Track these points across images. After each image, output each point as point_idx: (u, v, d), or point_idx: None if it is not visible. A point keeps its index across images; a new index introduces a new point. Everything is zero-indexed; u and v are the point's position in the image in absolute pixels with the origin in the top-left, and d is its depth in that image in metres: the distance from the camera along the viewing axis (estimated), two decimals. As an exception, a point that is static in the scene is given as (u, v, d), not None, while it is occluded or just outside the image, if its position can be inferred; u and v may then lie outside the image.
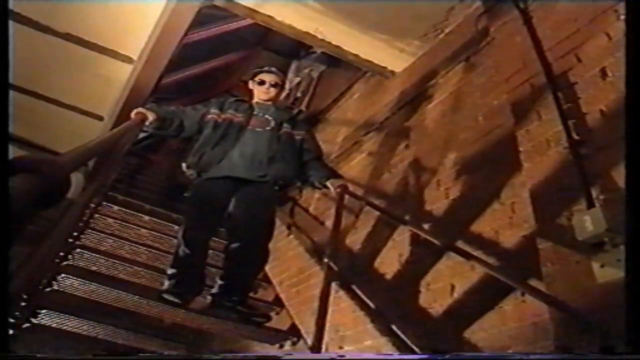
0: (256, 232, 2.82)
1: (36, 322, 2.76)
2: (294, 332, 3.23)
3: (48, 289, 2.91)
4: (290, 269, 3.84)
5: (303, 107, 6.10)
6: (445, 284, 2.34)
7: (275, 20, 3.72)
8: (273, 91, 3.11)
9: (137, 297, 3.04)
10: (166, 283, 2.74)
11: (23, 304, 2.58)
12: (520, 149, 2.17)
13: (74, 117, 4.67)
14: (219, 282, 2.79)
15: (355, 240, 3.30)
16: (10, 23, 3.56)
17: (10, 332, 2.49)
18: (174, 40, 3.88)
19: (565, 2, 2.33)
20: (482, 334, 2.02)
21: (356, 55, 4.05)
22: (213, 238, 2.95)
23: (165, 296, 2.69)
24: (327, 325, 2.57)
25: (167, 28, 3.73)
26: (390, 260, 2.84)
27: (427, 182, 2.93)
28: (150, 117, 2.74)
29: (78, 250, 3.19)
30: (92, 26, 3.86)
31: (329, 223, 3.17)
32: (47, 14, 3.74)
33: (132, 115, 2.69)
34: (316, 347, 2.45)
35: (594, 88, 1.94)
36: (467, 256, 2.16)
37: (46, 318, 2.79)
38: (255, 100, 3.14)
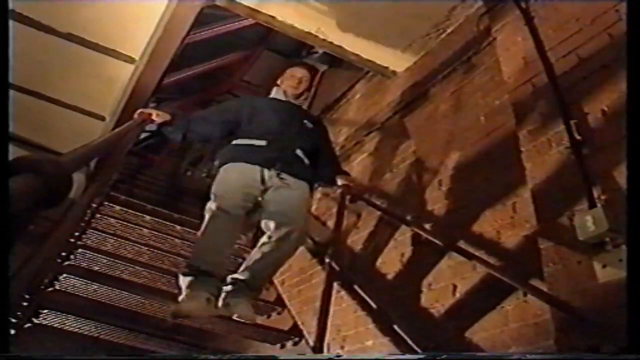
0: None
1: (38, 322, 2.76)
2: (295, 332, 3.23)
3: (50, 289, 2.91)
4: (291, 268, 3.84)
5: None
6: (446, 284, 2.34)
7: (277, 20, 3.72)
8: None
9: (139, 297, 3.05)
10: None
11: (25, 303, 2.58)
12: (522, 149, 2.16)
13: (75, 117, 4.67)
14: None
15: (356, 240, 3.30)
16: (11, 23, 3.57)
17: (12, 332, 2.49)
18: (175, 40, 3.89)
19: (567, 2, 2.33)
20: (483, 333, 2.02)
21: (358, 55, 4.05)
22: None
23: None
24: (329, 325, 2.58)
25: (169, 28, 3.73)
26: (391, 260, 2.84)
27: (428, 182, 2.93)
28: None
29: (80, 250, 3.19)
30: (93, 26, 3.87)
31: (331, 223, 3.18)
32: (49, 14, 3.75)
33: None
34: (318, 347, 2.45)
35: (596, 88, 1.94)
36: (469, 256, 2.16)
37: (48, 318, 2.79)
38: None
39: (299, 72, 3.12)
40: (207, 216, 2.52)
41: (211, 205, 2.53)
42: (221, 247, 2.48)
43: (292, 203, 2.63)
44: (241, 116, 2.87)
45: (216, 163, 2.79)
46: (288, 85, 3.08)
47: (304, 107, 3.34)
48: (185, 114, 2.89)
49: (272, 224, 2.58)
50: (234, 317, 2.41)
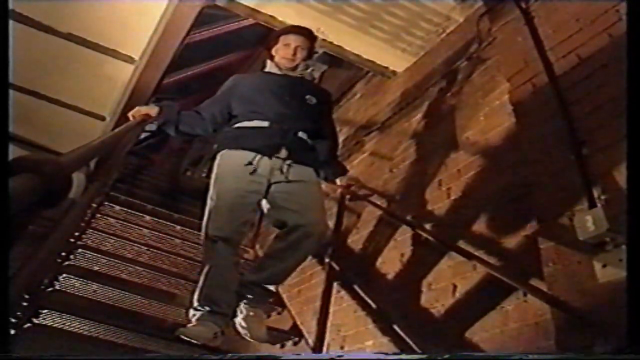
0: None
1: (37, 322, 2.76)
2: (295, 332, 3.23)
3: (49, 289, 2.92)
4: (291, 268, 3.84)
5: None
6: (446, 284, 2.34)
7: (277, 20, 3.72)
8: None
9: (139, 297, 3.05)
10: None
11: (24, 303, 2.59)
12: (522, 148, 2.16)
13: (75, 117, 4.67)
14: None
15: (356, 240, 3.30)
16: (11, 23, 3.57)
17: (12, 332, 2.49)
18: (176, 40, 3.88)
19: (567, 2, 2.33)
20: (483, 334, 2.02)
21: (358, 55, 4.05)
22: None
23: None
24: (329, 325, 2.58)
25: (169, 28, 3.73)
26: (391, 260, 2.84)
27: (428, 182, 2.93)
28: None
29: (80, 250, 3.19)
30: (93, 26, 3.86)
31: (331, 223, 3.17)
32: (49, 14, 3.74)
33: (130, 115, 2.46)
34: (318, 347, 2.46)
35: (596, 88, 1.94)
36: (469, 256, 2.16)
37: (48, 318, 2.79)
38: None
39: (293, 40, 2.66)
40: (206, 245, 2.29)
41: (209, 231, 2.28)
42: (229, 282, 2.24)
43: (307, 201, 2.35)
44: (230, 101, 2.58)
45: (214, 147, 2.55)
46: (282, 56, 2.66)
47: (307, 77, 2.84)
48: (175, 106, 2.62)
49: (285, 223, 2.31)
50: (247, 338, 2.23)
